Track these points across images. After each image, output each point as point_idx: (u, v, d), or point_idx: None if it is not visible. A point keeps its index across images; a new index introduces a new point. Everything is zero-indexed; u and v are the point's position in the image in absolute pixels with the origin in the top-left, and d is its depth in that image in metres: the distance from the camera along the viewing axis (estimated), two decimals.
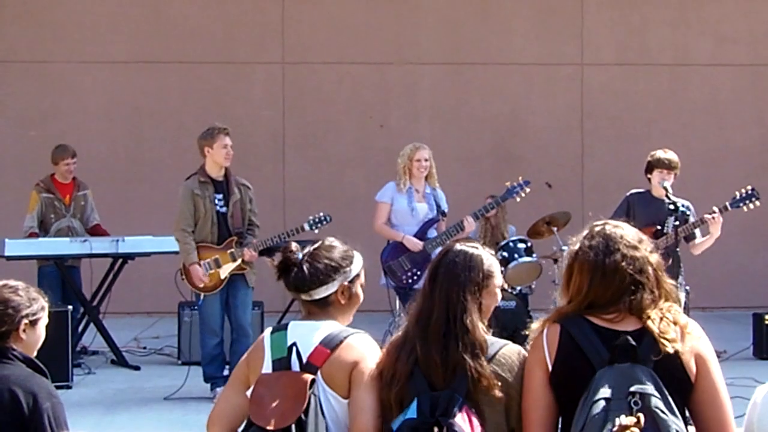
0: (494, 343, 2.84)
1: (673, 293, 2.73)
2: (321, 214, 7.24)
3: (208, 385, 7.15)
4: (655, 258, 2.73)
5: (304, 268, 2.97)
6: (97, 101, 11.48)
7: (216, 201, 6.96)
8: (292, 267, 2.99)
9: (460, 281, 2.87)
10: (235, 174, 7.19)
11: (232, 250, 6.98)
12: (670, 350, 2.56)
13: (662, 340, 2.57)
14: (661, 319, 2.62)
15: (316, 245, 3.04)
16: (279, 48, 11.63)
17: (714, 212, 6.63)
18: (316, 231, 7.16)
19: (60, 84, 11.45)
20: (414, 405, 2.72)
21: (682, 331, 2.63)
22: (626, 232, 2.75)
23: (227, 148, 6.94)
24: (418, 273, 7.16)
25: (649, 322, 2.61)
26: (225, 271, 6.95)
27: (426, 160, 7.27)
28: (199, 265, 6.91)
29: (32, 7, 11.47)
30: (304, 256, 3.00)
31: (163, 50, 11.50)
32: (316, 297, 2.99)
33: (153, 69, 11.50)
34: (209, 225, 6.96)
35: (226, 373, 7.08)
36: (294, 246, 3.03)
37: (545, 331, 2.73)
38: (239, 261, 6.97)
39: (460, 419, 2.66)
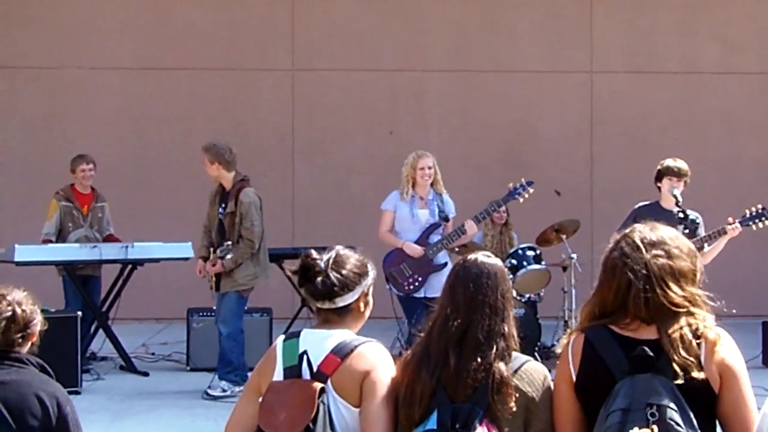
0: (517, 357, 2.86)
1: (699, 300, 2.68)
2: (229, 244, 7.26)
3: (215, 392, 7.29)
4: (660, 262, 2.66)
5: (332, 275, 2.95)
6: (105, 107, 11.51)
7: (220, 209, 7.49)
8: (316, 275, 2.95)
9: (502, 290, 2.91)
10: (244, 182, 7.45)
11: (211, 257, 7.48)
12: (680, 381, 2.52)
13: (674, 365, 2.53)
14: (681, 336, 2.57)
15: (332, 253, 3.02)
16: (288, 55, 11.65)
17: (734, 222, 6.66)
18: (225, 258, 7.28)
19: (68, 90, 11.49)
20: (434, 416, 2.72)
21: (708, 346, 2.58)
22: (643, 231, 2.73)
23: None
24: (420, 279, 7.17)
25: (664, 337, 2.58)
26: (209, 275, 7.52)
27: (430, 167, 7.26)
28: (203, 260, 7.53)
29: (41, 13, 11.51)
30: (327, 263, 2.97)
31: (172, 56, 11.53)
32: (341, 304, 2.97)
33: (161, 75, 11.53)
34: (215, 230, 7.53)
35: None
36: (315, 253, 3.01)
37: (570, 343, 2.73)
38: (212, 268, 7.43)
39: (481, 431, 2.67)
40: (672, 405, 2.47)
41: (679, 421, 2.46)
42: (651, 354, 2.54)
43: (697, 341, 2.59)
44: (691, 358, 2.55)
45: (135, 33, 11.57)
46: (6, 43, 11.52)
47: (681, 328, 2.59)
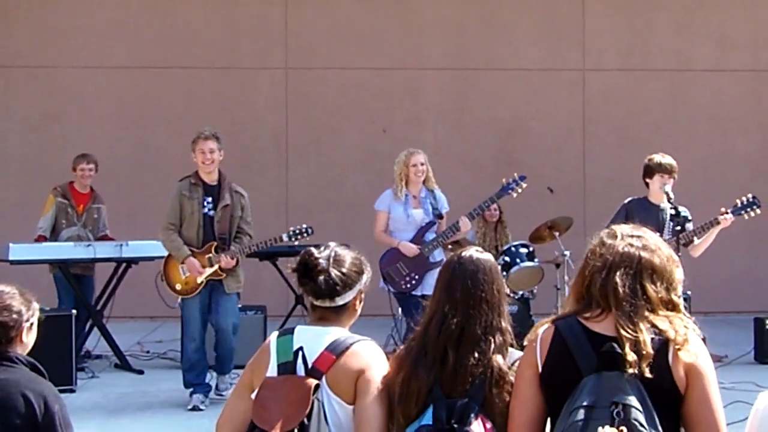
0: (513, 352, 2.88)
1: (673, 303, 2.65)
2: (303, 225, 7.14)
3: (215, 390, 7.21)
4: (628, 250, 2.65)
5: (333, 273, 2.96)
6: (101, 106, 11.53)
7: (205, 204, 6.92)
8: (318, 273, 2.96)
9: (497, 285, 2.94)
10: (238, 178, 7.24)
11: (210, 255, 6.91)
12: (632, 370, 2.49)
13: (627, 359, 2.50)
14: (637, 333, 2.53)
15: (331, 251, 3.02)
16: (282, 53, 11.67)
17: (726, 212, 6.68)
18: (296, 243, 7.14)
19: (64, 89, 11.50)
20: (429, 412, 2.74)
21: (675, 348, 2.54)
22: (626, 226, 2.75)
23: (205, 153, 6.88)
24: (416, 277, 7.20)
25: (619, 329, 2.55)
26: (202, 275, 6.88)
27: (422, 164, 7.28)
28: (193, 256, 6.89)
29: (37, 12, 11.53)
30: (328, 261, 2.97)
31: (168, 56, 11.55)
32: (341, 303, 2.99)
33: (157, 74, 11.55)
34: (195, 228, 6.92)
35: (208, 379, 7.09)
36: (316, 252, 3.00)
37: (540, 332, 2.70)
38: (216, 267, 6.89)
39: (476, 427, 2.68)
40: (637, 405, 2.44)
41: (643, 421, 2.43)
42: (619, 351, 2.51)
43: (661, 343, 2.55)
44: (635, 357, 2.50)
45: (131, 32, 11.58)
46: (2, 43, 11.53)
47: (638, 324, 2.56)
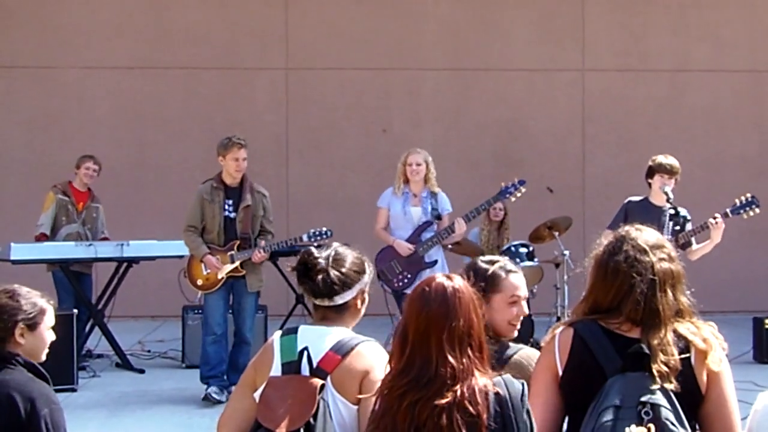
0: (511, 346, 2.92)
1: (686, 306, 2.68)
2: (323, 228, 7.32)
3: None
4: (664, 266, 2.67)
5: (332, 273, 2.95)
6: (101, 107, 11.55)
7: (226, 206, 7.19)
8: (317, 273, 2.96)
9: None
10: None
11: (232, 252, 7.18)
12: (667, 386, 2.52)
13: (655, 373, 2.52)
14: (664, 346, 2.56)
15: (331, 251, 3.02)
16: (282, 54, 11.70)
17: (716, 217, 6.63)
18: (315, 244, 7.19)
19: (65, 89, 11.52)
20: None
21: (699, 356, 2.58)
22: (642, 235, 2.73)
23: (238, 161, 7.20)
24: (409, 276, 7.23)
25: (652, 342, 2.57)
26: (222, 271, 7.17)
27: (419, 164, 7.33)
28: (214, 254, 7.17)
29: (38, 13, 11.55)
30: (327, 261, 2.98)
31: (168, 56, 11.57)
32: (340, 302, 2.98)
33: (157, 75, 11.57)
34: (216, 229, 7.20)
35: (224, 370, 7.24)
36: (316, 251, 3.00)
37: (557, 335, 2.71)
38: (237, 263, 7.16)
39: None
40: (666, 404, 2.48)
41: (674, 420, 2.46)
42: (647, 351, 2.54)
43: (685, 352, 2.59)
44: (668, 369, 2.54)
45: (131, 33, 11.60)
46: (3, 43, 11.54)
47: (665, 336, 2.59)
